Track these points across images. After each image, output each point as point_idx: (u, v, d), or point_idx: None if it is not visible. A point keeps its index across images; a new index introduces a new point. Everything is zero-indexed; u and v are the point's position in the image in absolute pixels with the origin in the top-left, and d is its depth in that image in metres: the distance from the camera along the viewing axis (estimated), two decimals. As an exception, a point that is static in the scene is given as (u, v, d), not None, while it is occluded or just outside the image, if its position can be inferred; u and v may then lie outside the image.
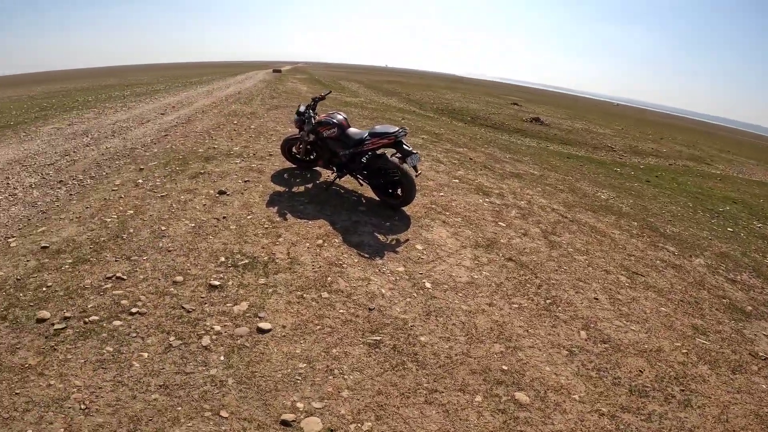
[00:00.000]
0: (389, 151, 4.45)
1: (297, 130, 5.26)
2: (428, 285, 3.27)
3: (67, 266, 3.07)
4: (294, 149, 5.43)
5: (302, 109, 5.11)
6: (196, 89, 16.14)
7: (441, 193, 5.29)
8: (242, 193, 4.60)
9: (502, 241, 4.20)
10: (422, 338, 2.67)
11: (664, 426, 2.28)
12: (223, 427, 1.94)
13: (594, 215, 5.57)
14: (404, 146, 4.20)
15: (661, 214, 6.38)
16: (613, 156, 12.81)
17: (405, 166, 4.22)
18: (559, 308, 3.24)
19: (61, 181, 4.93)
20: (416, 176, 4.39)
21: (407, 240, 3.94)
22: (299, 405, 2.09)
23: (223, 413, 2.01)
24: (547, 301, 3.30)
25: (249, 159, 5.86)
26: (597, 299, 3.45)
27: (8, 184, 4.82)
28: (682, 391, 2.58)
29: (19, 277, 2.91)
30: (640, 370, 2.69)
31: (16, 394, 2.01)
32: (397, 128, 4.30)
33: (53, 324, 2.49)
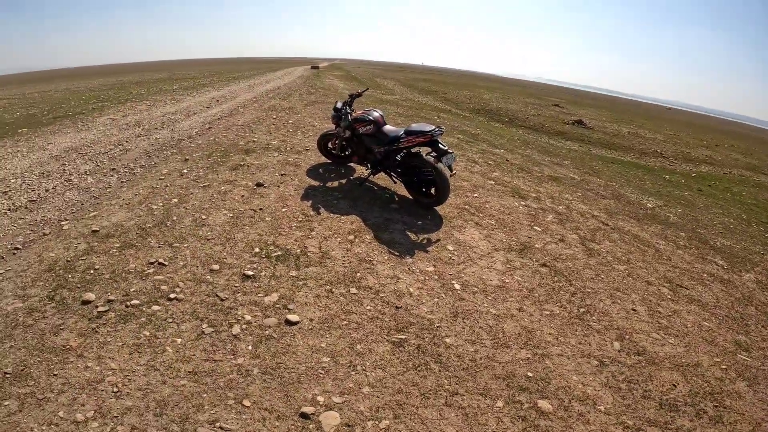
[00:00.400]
0: (425, 150, 4.42)
1: (333, 126, 5.33)
2: (457, 286, 3.23)
3: (114, 250, 3.26)
4: (330, 145, 5.51)
5: (339, 105, 5.17)
6: (238, 84, 16.68)
7: (475, 194, 5.20)
8: (279, 186, 4.72)
9: (536, 245, 4.09)
10: (447, 340, 2.65)
11: (693, 443, 2.16)
12: (244, 416, 1.99)
13: (638, 224, 5.30)
14: (440, 145, 4.16)
15: (712, 226, 5.99)
16: (662, 162, 12.14)
17: (440, 165, 4.17)
18: (593, 317, 3.11)
19: (114, 168, 5.24)
20: (451, 176, 4.34)
21: (438, 240, 3.91)
22: (320, 398, 2.12)
23: (246, 402, 2.06)
24: (581, 310, 3.18)
25: (286, 153, 6.00)
26: (635, 310, 3.29)
27: (64, 170, 5.18)
28: (715, 407, 2.43)
29: (69, 259, 3.12)
30: (674, 384, 2.56)
31: (54, 375, 2.13)
32: (433, 127, 4.27)
33: (97, 306, 2.63)
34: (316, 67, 33.47)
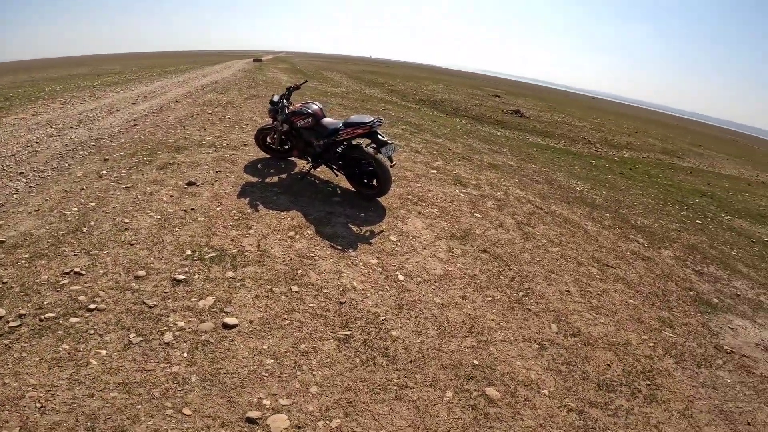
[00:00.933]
0: (365, 142, 4.38)
1: (272, 120, 5.13)
2: (401, 277, 3.24)
3: (23, 261, 2.92)
4: (269, 139, 5.31)
5: (276, 98, 4.99)
6: (171, 78, 15.62)
7: (418, 184, 5.25)
8: (213, 184, 4.47)
9: (477, 232, 4.20)
10: (393, 332, 2.64)
11: (630, 421, 2.30)
12: (185, 425, 1.88)
13: (568, 207, 5.62)
14: (379, 136, 4.14)
15: (633, 206, 6.50)
16: (589, 148, 13.01)
17: (380, 156, 4.15)
18: (531, 301, 3.25)
19: (22, 172, 4.69)
20: (391, 167, 4.34)
21: (382, 231, 3.89)
22: (266, 402, 2.04)
23: (186, 411, 1.94)
24: (520, 294, 3.30)
25: (222, 149, 5.70)
26: (568, 291, 3.48)
27: (-38, 175, 4.56)
28: (648, 385, 2.61)
29: (-30, 274, 2.74)
30: (608, 365, 2.72)
31: None
32: (372, 118, 4.23)
33: (8, 322, 2.37)
34: (259, 60, 32.16)
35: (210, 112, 8.36)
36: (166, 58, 45.26)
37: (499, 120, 15.20)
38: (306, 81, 6.40)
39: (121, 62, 32.73)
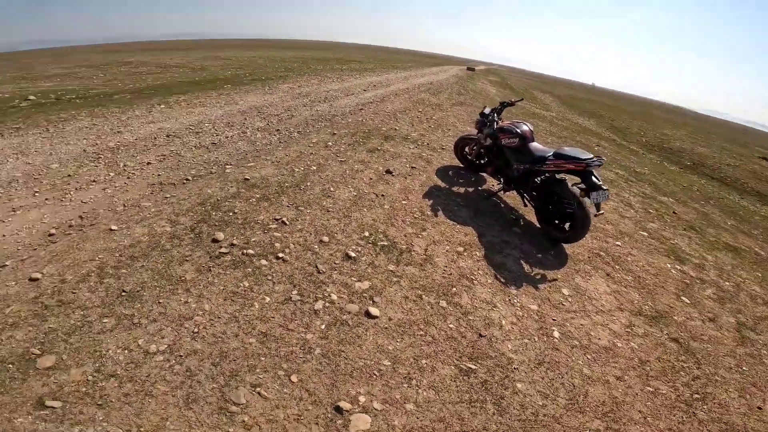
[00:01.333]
0: (570, 179, 3.95)
1: (475, 131, 5.17)
2: (556, 334, 2.87)
3: (253, 200, 3.74)
4: (467, 149, 5.37)
5: (487, 111, 4.97)
6: (396, 73, 17.47)
7: (618, 243, 4.51)
8: (405, 178, 4.82)
9: (675, 317, 3.37)
10: (519, 385, 2.37)
11: None
12: (284, 389, 2.04)
13: (839, 337, 3.95)
14: (594, 178, 3.62)
15: None
16: None
17: (586, 200, 3.63)
18: (704, 406, 2.49)
19: (278, 129, 6.02)
20: (596, 215, 3.79)
21: (555, 280, 3.49)
22: (361, 399, 2.08)
23: (293, 378, 2.10)
24: (694, 396, 2.55)
25: (422, 147, 6.08)
26: (761, 408, 2.54)
27: (244, 122, 6.15)
28: None
29: (218, 198, 3.68)
30: None
31: (159, 302, 2.39)
32: (590, 155, 3.71)
33: (221, 247, 2.96)
34: (472, 69, 32.89)
35: (420, 110, 9.00)
36: (397, 54, 50.57)
37: (758, 190, 11.70)
38: (522, 99, 6.18)
39: (363, 52, 38.22)
